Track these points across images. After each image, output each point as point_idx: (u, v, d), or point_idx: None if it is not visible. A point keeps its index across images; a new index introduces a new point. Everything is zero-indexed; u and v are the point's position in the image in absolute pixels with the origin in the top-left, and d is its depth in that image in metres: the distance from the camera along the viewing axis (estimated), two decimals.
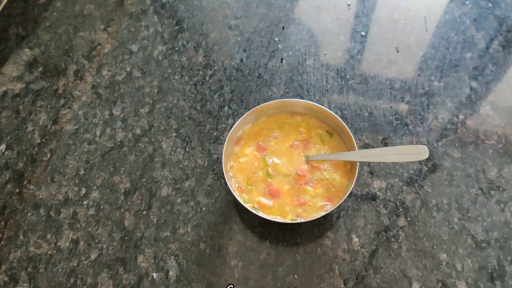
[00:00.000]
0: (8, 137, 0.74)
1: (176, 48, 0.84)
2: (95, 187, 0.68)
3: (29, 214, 0.66)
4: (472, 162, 0.69)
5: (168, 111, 0.76)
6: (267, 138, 0.68)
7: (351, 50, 0.82)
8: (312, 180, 0.64)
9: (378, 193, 0.66)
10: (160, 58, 0.83)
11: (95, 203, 0.67)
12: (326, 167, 0.65)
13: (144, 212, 0.66)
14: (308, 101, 0.68)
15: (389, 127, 0.73)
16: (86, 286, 0.60)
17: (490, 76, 0.78)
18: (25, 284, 0.61)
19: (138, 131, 0.74)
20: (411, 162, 0.68)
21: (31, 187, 0.69)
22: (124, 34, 0.86)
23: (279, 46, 0.84)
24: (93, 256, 0.62)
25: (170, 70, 0.81)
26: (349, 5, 0.89)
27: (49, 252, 0.63)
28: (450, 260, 0.60)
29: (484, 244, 0.61)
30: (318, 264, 0.61)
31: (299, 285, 0.59)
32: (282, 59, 0.82)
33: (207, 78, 0.80)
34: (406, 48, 0.82)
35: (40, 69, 0.82)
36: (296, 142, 0.67)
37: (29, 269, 0.62)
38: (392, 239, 0.62)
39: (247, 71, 0.81)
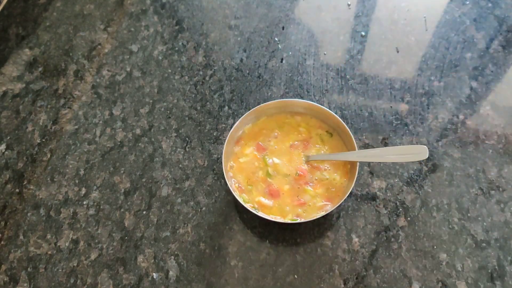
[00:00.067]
0: (8, 137, 0.74)
1: (176, 48, 0.84)
2: (95, 187, 0.68)
3: (29, 214, 0.66)
4: (472, 162, 0.69)
5: (168, 111, 0.76)
6: (267, 138, 0.68)
7: (351, 50, 0.82)
8: (312, 180, 0.64)
9: (378, 193, 0.66)
10: (160, 58, 0.83)
11: (95, 203, 0.67)
12: (326, 167, 0.65)
13: (144, 212, 0.66)
14: (308, 101, 0.68)
15: (389, 127, 0.73)
16: (86, 286, 0.60)
17: (490, 76, 0.78)
18: (25, 284, 0.61)
19: (138, 131, 0.74)
20: (411, 162, 0.68)
21: (31, 187, 0.69)
22: (124, 34, 0.86)
23: (279, 46, 0.84)
24: (93, 256, 0.63)
25: (170, 70, 0.81)
26: (349, 5, 0.89)
27: (49, 252, 0.63)
28: (450, 260, 0.60)
29: (484, 244, 0.61)
30: (318, 264, 0.61)
31: (299, 285, 0.59)
32: (282, 59, 0.82)
33: (207, 78, 0.80)
34: (406, 48, 0.82)
35: (40, 69, 0.82)
36: (296, 142, 0.67)
37: (29, 269, 0.62)
38: (392, 239, 0.62)
39: (247, 71, 0.81)
